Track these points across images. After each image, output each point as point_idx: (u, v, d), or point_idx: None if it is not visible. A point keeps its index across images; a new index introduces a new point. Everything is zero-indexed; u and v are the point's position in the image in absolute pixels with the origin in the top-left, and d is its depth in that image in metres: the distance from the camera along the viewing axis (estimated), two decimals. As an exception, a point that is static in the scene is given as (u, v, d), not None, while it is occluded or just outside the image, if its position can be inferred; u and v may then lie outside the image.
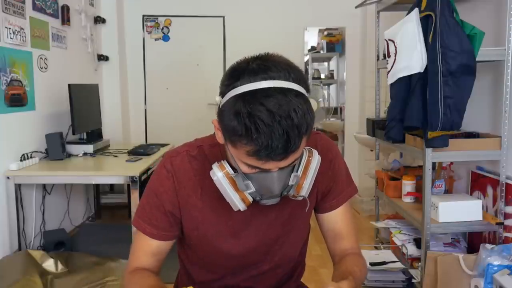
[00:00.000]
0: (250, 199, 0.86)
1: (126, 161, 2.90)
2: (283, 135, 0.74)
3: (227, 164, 0.87)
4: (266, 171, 0.81)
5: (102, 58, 4.20)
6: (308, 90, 0.81)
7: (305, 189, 0.88)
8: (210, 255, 1.01)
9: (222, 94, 0.82)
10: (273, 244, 1.01)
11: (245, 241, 0.99)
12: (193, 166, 0.96)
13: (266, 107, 0.74)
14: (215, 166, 0.87)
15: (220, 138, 0.86)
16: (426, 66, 1.92)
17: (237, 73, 0.79)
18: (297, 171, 0.87)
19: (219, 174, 0.86)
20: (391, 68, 2.19)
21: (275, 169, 0.81)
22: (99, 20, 4.11)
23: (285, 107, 0.74)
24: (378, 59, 2.83)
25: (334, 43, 5.57)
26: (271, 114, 0.73)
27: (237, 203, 0.86)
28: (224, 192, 0.86)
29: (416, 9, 1.98)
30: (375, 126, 2.71)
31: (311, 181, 0.89)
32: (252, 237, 0.99)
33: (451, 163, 2.37)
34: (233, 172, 0.85)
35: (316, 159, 0.89)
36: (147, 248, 0.98)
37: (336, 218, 1.05)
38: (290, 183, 0.86)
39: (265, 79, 0.76)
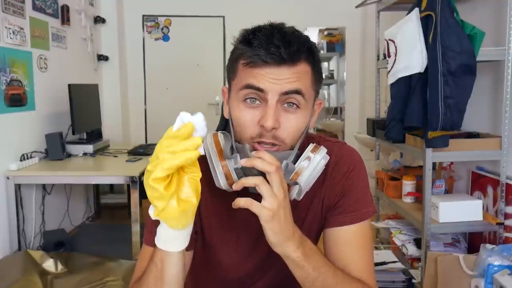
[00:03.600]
0: (235, 176, 0.76)
1: (126, 161, 2.90)
2: (281, 38, 0.77)
3: (222, 135, 0.81)
4: (261, 92, 0.78)
5: (102, 58, 4.20)
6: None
7: (299, 191, 0.79)
8: (208, 268, 0.96)
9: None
10: (276, 261, 0.90)
11: (248, 258, 0.94)
12: (202, 169, 0.86)
13: (269, 25, 0.80)
14: (208, 134, 0.82)
15: (226, 112, 0.86)
16: (426, 66, 1.92)
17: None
18: (290, 163, 0.79)
19: (208, 138, 0.81)
20: (391, 68, 2.19)
21: (274, 94, 0.77)
22: (99, 20, 4.11)
23: (289, 27, 0.81)
24: (378, 59, 2.83)
25: (334, 43, 5.58)
26: (272, 26, 0.80)
27: (219, 176, 0.76)
28: (208, 160, 0.78)
29: (416, 9, 1.98)
30: (375, 126, 2.70)
31: (307, 181, 0.79)
32: (258, 252, 0.93)
33: (451, 163, 2.37)
34: (224, 142, 0.79)
35: (319, 158, 0.80)
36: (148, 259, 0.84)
37: (341, 240, 0.88)
38: (285, 163, 0.78)
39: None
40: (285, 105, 0.80)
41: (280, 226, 0.73)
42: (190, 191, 0.67)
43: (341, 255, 0.87)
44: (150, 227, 0.89)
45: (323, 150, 0.82)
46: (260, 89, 0.78)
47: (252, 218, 0.74)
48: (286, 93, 0.78)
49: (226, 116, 0.87)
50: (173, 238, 0.72)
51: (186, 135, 0.64)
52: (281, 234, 0.74)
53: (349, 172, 0.91)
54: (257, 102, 0.80)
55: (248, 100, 0.80)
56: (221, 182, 0.77)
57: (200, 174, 0.69)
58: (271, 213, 0.71)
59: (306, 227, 0.91)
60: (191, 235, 0.77)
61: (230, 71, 0.85)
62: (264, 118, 0.77)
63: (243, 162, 0.74)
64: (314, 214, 0.92)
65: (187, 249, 0.80)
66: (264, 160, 0.73)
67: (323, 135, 1.00)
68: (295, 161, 0.81)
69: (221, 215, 0.91)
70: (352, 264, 0.86)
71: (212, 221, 0.92)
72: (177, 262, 0.75)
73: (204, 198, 0.86)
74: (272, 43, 0.76)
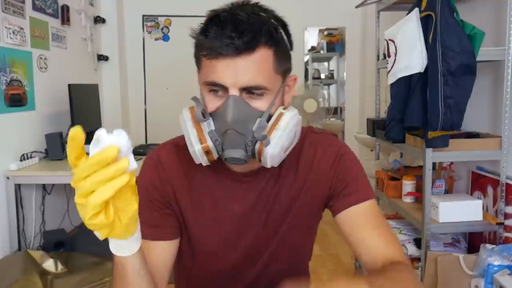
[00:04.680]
0: (210, 142, 0.78)
1: (126, 161, 2.90)
2: (235, 28, 0.74)
3: (195, 103, 0.83)
4: (223, 88, 0.78)
5: (102, 58, 4.19)
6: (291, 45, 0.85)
7: (274, 146, 0.78)
8: (195, 258, 0.95)
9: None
10: (262, 254, 0.92)
11: (233, 249, 0.93)
12: (181, 158, 0.90)
13: (227, 10, 0.78)
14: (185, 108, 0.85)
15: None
16: (426, 66, 1.92)
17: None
18: (263, 120, 0.79)
19: (184, 111, 0.84)
20: (391, 68, 2.19)
21: (235, 88, 0.77)
22: (99, 20, 4.11)
23: (247, 9, 0.77)
24: (378, 59, 2.83)
25: (334, 43, 5.58)
26: (228, 12, 0.77)
27: (193, 140, 0.78)
28: (184, 129, 0.81)
29: (416, 9, 1.98)
30: (375, 126, 2.70)
31: (281, 136, 0.79)
32: (243, 243, 0.92)
33: (451, 163, 2.37)
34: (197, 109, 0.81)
35: (291, 114, 0.80)
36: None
37: (355, 221, 0.88)
38: (254, 128, 0.78)
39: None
40: (249, 94, 0.80)
41: None
42: (128, 198, 0.60)
43: (361, 235, 0.87)
44: (140, 216, 0.88)
45: (293, 109, 0.82)
46: (221, 86, 0.78)
47: (234, 208, 0.74)
48: (246, 87, 0.78)
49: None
50: (123, 245, 0.68)
51: (111, 161, 0.57)
52: None
53: (339, 156, 0.92)
54: (220, 92, 0.80)
55: (212, 92, 0.81)
56: (195, 146, 0.79)
57: (135, 187, 0.61)
58: None
59: (308, 225, 0.94)
60: (174, 225, 0.80)
61: (195, 57, 0.87)
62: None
63: None
64: (313, 206, 0.93)
65: (172, 238, 0.87)
66: None
67: (311, 127, 1.01)
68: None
69: (202, 204, 0.91)
70: (376, 248, 0.85)
71: (193, 211, 0.91)
72: (136, 261, 0.71)
73: (181, 186, 0.89)
74: (226, 34, 0.75)
